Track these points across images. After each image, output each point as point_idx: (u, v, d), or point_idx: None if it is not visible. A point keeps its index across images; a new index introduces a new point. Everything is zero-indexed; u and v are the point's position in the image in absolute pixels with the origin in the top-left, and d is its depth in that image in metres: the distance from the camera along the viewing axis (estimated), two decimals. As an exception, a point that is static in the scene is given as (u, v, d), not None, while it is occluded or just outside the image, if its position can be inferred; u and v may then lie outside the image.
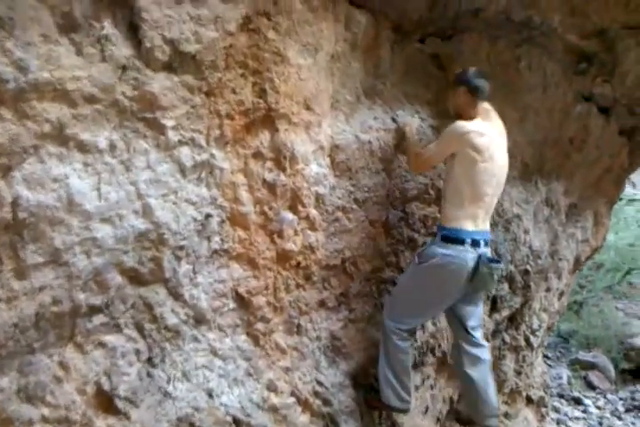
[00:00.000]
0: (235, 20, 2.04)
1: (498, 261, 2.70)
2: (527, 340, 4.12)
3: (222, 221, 2.20)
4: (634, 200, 8.34)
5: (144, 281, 2.02)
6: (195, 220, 2.11)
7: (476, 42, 3.00)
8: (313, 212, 2.48)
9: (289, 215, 2.39)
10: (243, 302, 2.32)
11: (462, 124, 2.58)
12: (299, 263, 2.48)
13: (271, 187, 2.31)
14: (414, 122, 2.83)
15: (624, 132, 3.91)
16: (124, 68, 1.84)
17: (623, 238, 7.64)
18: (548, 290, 4.11)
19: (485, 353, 2.80)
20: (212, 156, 2.12)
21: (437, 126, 2.96)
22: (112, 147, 1.87)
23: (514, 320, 3.95)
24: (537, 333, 4.19)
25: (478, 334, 2.80)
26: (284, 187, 2.34)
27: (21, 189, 1.73)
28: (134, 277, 1.99)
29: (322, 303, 2.65)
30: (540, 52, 3.11)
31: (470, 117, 2.64)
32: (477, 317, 2.81)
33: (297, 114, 2.32)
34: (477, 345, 2.77)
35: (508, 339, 3.96)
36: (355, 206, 2.67)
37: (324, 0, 2.37)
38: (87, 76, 1.77)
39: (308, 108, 2.36)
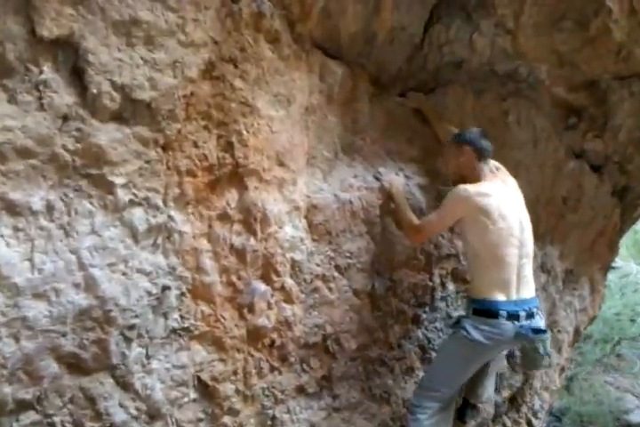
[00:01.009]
0: (196, 66, 1.89)
1: (542, 331, 2.45)
2: (529, 423, 3.91)
3: (182, 294, 1.97)
4: (614, 268, 8.38)
5: (86, 369, 1.77)
6: (149, 293, 1.88)
7: (460, 95, 2.92)
8: (289, 281, 2.28)
9: (261, 286, 2.19)
10: (206, 391, 2.07)
11: (464, 188, 2.48)
12: (273, 342, 2.25)
13: (240, 253, 2.10)
14: (399, 180, 2.68)
15: (615, 193, 3.84)
16: (65, 117, 1.66)
17: (610, 307, 7.59)
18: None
19: None
20: (171, 218, 1.91)
21: (425, 185, 2.82)
22: (49, 208, 1.66)
23: (514, 401, 3.73)
24: (539, 414, 4.00)
25: None
26: (255, 253, 2.14)
27: None
28: (74, 365, 1.75)
29: (300, 389, 2.39)
30: (529, 106, 3.05)
31: (473, 179, 2.55)
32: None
33: (268, 170, 2.15)
34: None
35: (508, 423, 3.75)
36: (336, 274, 2.47)
37: (295, 49, 2.26)
38: (21, 126, 1.58)
39: (280, 163, 2.20)
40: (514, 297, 2.43)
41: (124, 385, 1.85)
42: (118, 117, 1.76)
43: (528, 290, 2.51)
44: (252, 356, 2.19)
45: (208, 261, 2.03)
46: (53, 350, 1.69)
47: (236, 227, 2.09)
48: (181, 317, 1.97)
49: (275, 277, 2.22)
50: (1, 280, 1.57)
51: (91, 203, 1.73)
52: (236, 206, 2.08)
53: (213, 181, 2.02)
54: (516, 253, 2.46)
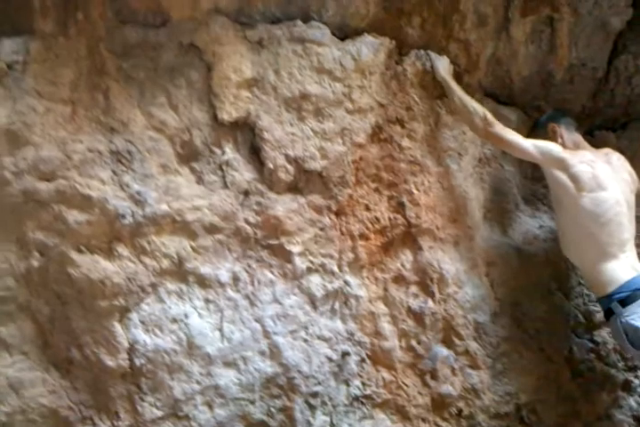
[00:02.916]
0: (364, 131, 2.10)
1: None
2: None
3: (362, 360, 2.13)
4: None
5: (274, 438, 1.97)
6: (329, 359, 2.06)
7: (658, 128, 2.82)
8: (473, 345, 2.32)
9: (443, 350, 2.26)
10: (394, 462, 2.16)
11: (560, 149, 2.33)
12: (460, 411, 2.28)
13: (418, 316, 2.22)
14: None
15: None
16: (245, 193, 1.95)
17: None
18: None
19: None
20: (346, 283, 2.10)
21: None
22: (235, 279, 1.94)
23: None
24: None
25: None
26: (434, 315, 2.24)
27: (138, 332, 1.83)
28: (262, 433, 1.96)
29: (495, 464, 2.38)
30: None
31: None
32: None
33: (442, 228, 2.27)
34: None
35: None
36: (526, 337, 2.46)
37: (464, 100, 2.38)
38: (208, 204, 1.89)
39: (454, 220, 2.30)
40: None
41: (312, 455, 2.02)
42: (293, 188, 2.02)
43: None
44: (439, 426, 2.24)
45: (386, 326, 2.17)
46: (243, 417, 1.92)
47: (413, 289, 2.22)
48: (363, 384, 2.12)
49: (457, 341, 2.28)
50: (196, 350, 1.86)
51: (271, 272, 1.99)
52: (411, 268, 2.22)
53: (386, 244, 2.18)
54: (625, 221, 2.28)
